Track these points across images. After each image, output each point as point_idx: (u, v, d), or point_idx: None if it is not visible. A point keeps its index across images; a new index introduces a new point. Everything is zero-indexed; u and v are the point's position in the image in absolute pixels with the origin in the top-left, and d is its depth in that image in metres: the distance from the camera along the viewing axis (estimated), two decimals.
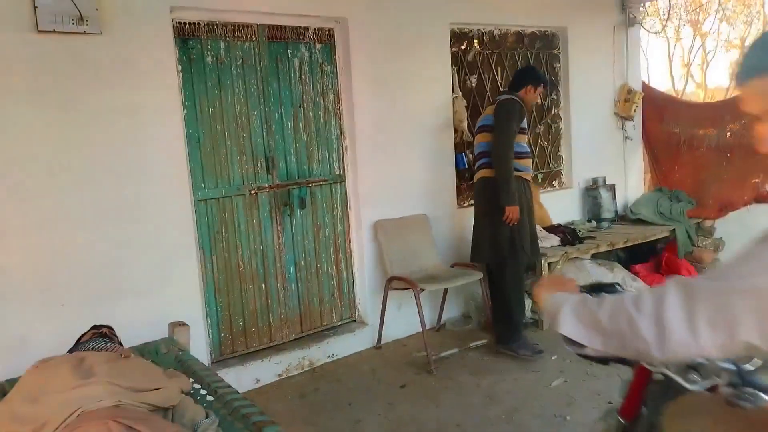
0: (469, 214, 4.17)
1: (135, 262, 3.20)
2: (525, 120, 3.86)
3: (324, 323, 4.12)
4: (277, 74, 3.78)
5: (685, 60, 16.32)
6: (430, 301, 4.41)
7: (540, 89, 3.96)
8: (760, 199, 5.19)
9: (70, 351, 2.47)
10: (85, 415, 1.88)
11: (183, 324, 2.92)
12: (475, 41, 4.76)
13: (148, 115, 3.20)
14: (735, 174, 5.31)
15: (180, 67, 3.37)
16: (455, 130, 4.55)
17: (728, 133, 5.41)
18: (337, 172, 4.10)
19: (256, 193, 3.73)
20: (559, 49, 5.28)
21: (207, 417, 2.11)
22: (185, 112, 3.40)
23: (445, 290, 4.34)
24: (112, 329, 2.67)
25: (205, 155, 3.53)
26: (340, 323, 4.19)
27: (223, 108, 3.57)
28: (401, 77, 4.19)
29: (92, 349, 2.39)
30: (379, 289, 4.18)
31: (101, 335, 2.53)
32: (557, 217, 5.12)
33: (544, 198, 5.11)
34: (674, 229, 5.18)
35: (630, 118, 5.68)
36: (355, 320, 4.26)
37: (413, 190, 4.35)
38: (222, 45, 3.55)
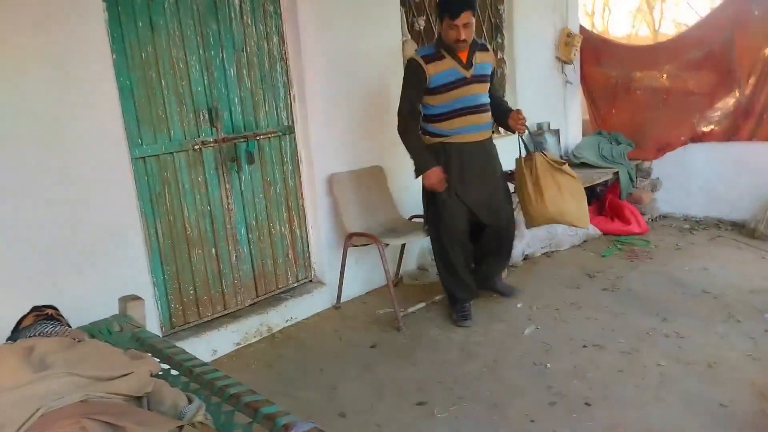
0: None
1: (72, 234, 2.80)
2: (446, 72, 3.31)
3: (280, 286, 3.86)
4: (216, 14, 3.38)
5: (588, 10, 16.71)
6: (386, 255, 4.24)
7: (448, 21, 3.20)
8: (695, 138, 5.33)
9: (11, 339, 2.11)
10: (49, 415, 1.58)
11: (136, 298, 2.60)
12: None
13: (71, 63, 2.74)
14: (671, 115, 5.42)
15: (105, 4, 2.91)
16: None
17: (664, 75, 5.49)
18: (286, 123, 3.78)
19: (200, 149, 3.36)
20: None
21: (190, 402, 1.85)
22: (114, 57, 2.96)
23: (403, 243, 4.18)
24: (57, 310, 2.32)
25: (141, 107, 3.11)
26: (296, 284, 3.95)
27: (157, 53, 3.15)
28: (350, 18, 3.88)
29: (39, 334, 2.05)
30: (336, 246, 3.97)
31: (47, 317, 2.18)
32: (506, 165, 5.04)
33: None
34: (617, 172, 5.25)
35: (570, 62, 5.65)
36: (311, 280, 4.03)
37: (366, 141, 4.10)
38: None
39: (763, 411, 2.52)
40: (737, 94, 5.08)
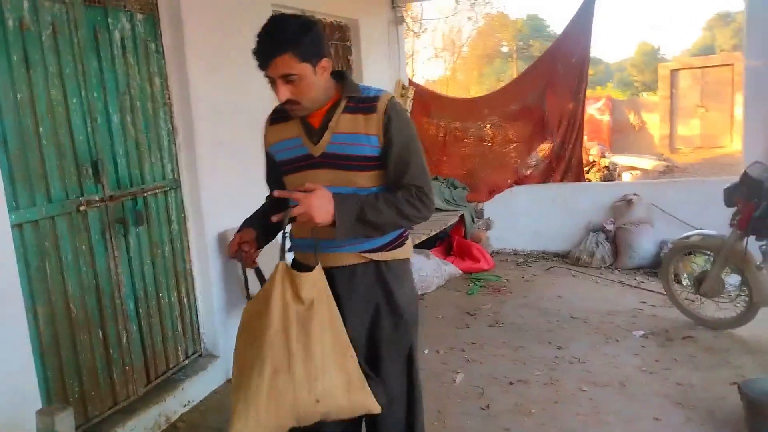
0: None
1: None
2: (286, 141, 1.90)
3: (171, 365, 3.30)
4: (97, 50, 2.84)
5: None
6: None
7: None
8: (519, 181, 6.00)
9: None
10: None
11: (63, 408, 2.00)
12: None
13: None
14: (496, 160, 6.03)
15: None
16: None
17: (487, 125, 6.10)
18: (171, 176, 3.31)
19: (86, 210, 2.75)
20: (350, 42, 5.21)
21: None
22: None
23: None
24: None
25: (15, 161, 2.45)
26: (186, 361, 3.42)
27: (34, 94, 2.53)
28: (238, 60, 3.58)
29: None
30: (229, 311, 3.56)
31: None
32: None
33: None
34: (463, 214, 5.64)
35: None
36: (200, 354, 3.53)
37: (258, 192, 3.78)
38: (26, 4, 2.49)
39: (689, 419, 2.89)
40: (551, 142, 5.87)
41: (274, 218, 1.68)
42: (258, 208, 2.11)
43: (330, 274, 1.78)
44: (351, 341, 1.73)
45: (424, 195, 1.82)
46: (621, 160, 11.99)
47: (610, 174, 10.67)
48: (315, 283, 1.68)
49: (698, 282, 3.91)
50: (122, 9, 2.99)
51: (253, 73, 3.77)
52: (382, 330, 1.88)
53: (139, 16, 3.09)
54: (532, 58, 28.91)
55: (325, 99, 1.82)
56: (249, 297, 1.81)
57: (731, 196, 3.63)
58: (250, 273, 1.90)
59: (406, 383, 1.96)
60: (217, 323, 3.53)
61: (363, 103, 1.81)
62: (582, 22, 5.60)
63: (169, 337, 3.29)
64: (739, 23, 30.08)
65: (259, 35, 1.72)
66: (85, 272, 2.76)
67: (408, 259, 1.98)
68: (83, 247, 2.75)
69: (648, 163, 12.09)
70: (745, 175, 3.52)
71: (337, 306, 1.73)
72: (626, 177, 10.89)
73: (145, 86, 3.13)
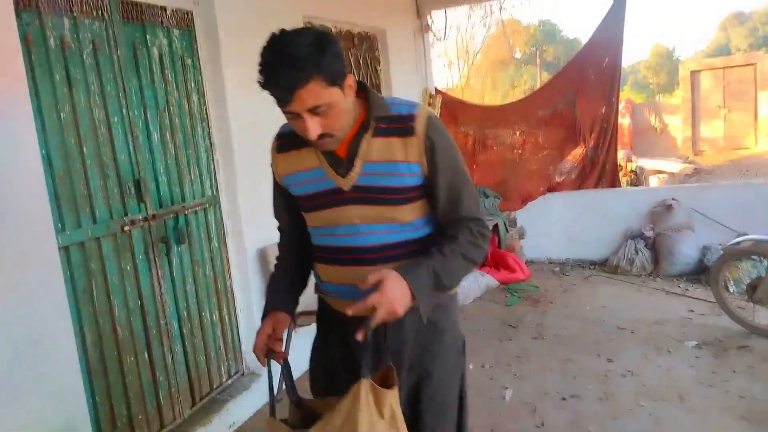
0: None
1: None
2: (304, 173, 1.61)
3: (215, 386, 3.24)
4: (137, 67, 2.81)
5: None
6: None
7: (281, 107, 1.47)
8: (552, 188, 5.89)
9: None
10: None
11: None
12: None
13: None
14: (528, 168, 5.93)
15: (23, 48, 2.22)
16: None
17: (517, 132, 6.01)
18: (210, 193, 3.25)
19: (129, 230, 2.70)
20: (378, 52, 5.16)
21: None
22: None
23: None
24: None
25: (60, 182, 2.41)
26: (229, 381, 3.35)
27: (77, 113, 2.49)
28: None
29: None
30: None
31: None
32: None
33: None
34: (497, 224, 5.54)
35: None
36: (243, 373, 3.45)
37: None
38: (67, 22, 2.46)
39: None
40: (583, 148, 5.76)
41: (360, 337, 1.37)
42: (276, 272, 1.77)
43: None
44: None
45: (484, 228, 1.59)
46: (647, 163, 11.80)
47: (637, 178, 10.51)
48: (396, 395, 1.41)
49: (752, 289, 3.77)
50: (159, 25, 2.95)
51: None
52: (432, 376, 1.63)
53: (176, 32, 3.06)
54: (548, 63, 28.90)
55: (352, 122, 1.52)
56: (273, 410, 1.59)
57: None
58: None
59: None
60: None
61: (396, 123, 1.52)
62: (612, 26, 5.50)
63: (212, 356, 3.23)
64: (754, 22, 29.82)
65: (269, 63, 1.39)
66: (130, 293, 2.71)
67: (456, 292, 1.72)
68: (128, 267, 2.70)
69: (675, 166, 11.90)
70: None
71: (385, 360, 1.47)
72: (653, 181, 10.71)
73: (183, 102, 3.08)
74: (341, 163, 1.54)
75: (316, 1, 4.06)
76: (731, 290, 4.33)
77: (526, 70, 30.40)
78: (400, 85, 5.33)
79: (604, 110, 5.64)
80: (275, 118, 3.63)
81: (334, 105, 1.42)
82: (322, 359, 1.76)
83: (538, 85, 25.83)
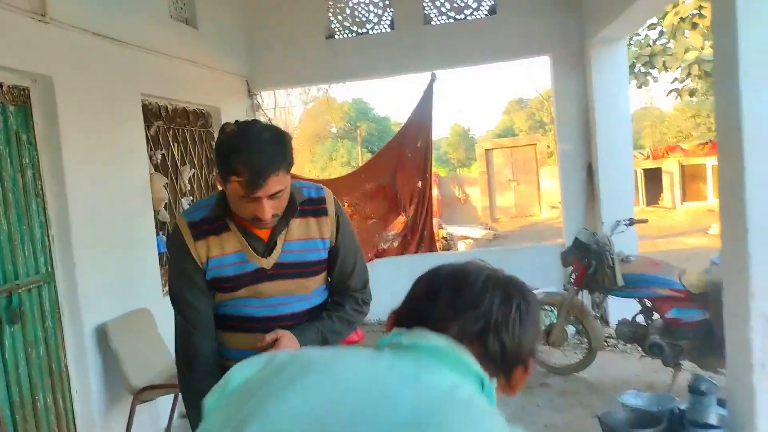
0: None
1: None
2: (230, 256, 1.72)
3: None
4: None
5: None
6: (148, 408, 3.74)
7: (237, 190, 1.58)
8: (378, 254, 6.37)
9: None
10: None
11: None
12: (156, 116, 4.40)
13: None
14: (358, 236, 6.37)
15: None
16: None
17: (346, 203, 6.46)
18: (44, 270, 3.14)
19: None
20: (213, 128, 5.33)
21: None
22: None
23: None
24: None
25: None
26: None
27: None
28: (113, 152, 3.56)
29: None
30: (113, 410, 3.37)
31: None
32: None
33: None
34: None
35: None
36: None
37: (130, 281, 3.68)
38: None
39: None
40: (404, 217, 6.37)
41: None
42: (202, 377, 1.71)
43: None
44: None
45: (368, 296, 1.89)
46: (455, 230, 13.08)
47: (448, 244, 11.59)
48: None
49: (546, 334, 4.47)
50: None
51: (124, 163, 3.79)
52: None
53: (11, 108, 3.01)
54: (363, 138, 30.76)
55: None
56: None
57: (566, 258, 4.28)
58: None
59: None
60: (97, 426, 3.31)
61: (309, 205, 1.74)
62: (423, 111, 6.28)
63: None
64: (531, 108, 34.75)
65: (243, 150, 1.52)
66: None
67: None
68: None
69: (478, 232, 13.33)
70: (576, 240, 4.18)
71: None
72: (461, 246, 11.89)
73: (17, 178, 3.00)
74: (263, 244, 1.71)
75: (152, 80, 4.17)
76: None
77: (342, 144, 31.98)
78: None
79: (420, 184, 6.33)
80: (113, 194, 3.70)
81: (286, 190, 1.61)
82: None
83: (356, 159, 27.27)
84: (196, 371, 1.75)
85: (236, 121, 1.63)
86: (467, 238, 12.70)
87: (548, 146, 19.85)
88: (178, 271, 1.76)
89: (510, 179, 19.38)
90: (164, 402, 3.79)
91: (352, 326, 1.84)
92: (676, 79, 12.98)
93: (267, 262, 1.71)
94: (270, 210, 1.59)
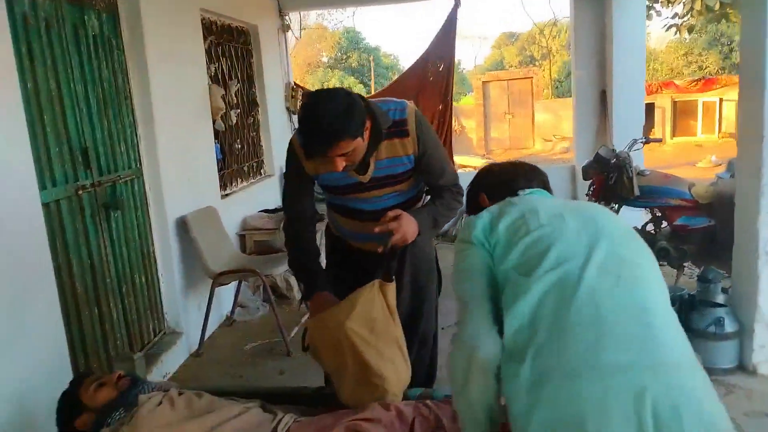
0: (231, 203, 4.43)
1: None
2: (331, 174, 2.07)
3: (145, 342, 3.50)
4: (78, 45, 3.02)
5: None
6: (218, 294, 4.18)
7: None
8: None
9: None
10: None
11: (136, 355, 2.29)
12: (209, 30, 4.66)
13: None
14: None
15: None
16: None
17: None
18: (135, 166, 3.51)
19: (81, 194, 2.93)
20: (251, 46, 5.58)
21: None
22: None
23: (239, 281, 4.24)
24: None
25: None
26: (155, 339, 3.62)
27: (38, 84, 2.68)
28: (182, 54, 3.88)
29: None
30: (193, 290, 3.84)
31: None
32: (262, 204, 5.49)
33: (254, 189, 5.36)
34: None
35: (296, 112, 6.43)
36: (165, 332, 3.73)
37: (198, 181, 4.07)
38: (26, 0, 2.65)
39: None
40: None
41: (380, 250, 1.99)
42: (303, 254, 2.22)
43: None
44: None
45: (460, 189, 2.23)
46: (456, 159, 13.47)
47: None
48: (393, 287, 2.02)
49: None
50: (93, 8, 3.17)
51: (190, 72, 4.14)
52: (422, 281, 2.36)
53: (104, 15, 3.29)
54: (353, 68, 30.49)
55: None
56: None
57: (587, 171, 4.70)
58: None
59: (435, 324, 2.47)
60: (179, 302, 3.77)
61: (394, 127, 2.03)
62: (447, 36, 6.53)
63: (142, 315, 3.49)
64: (522, 42, 34.37)
65: (306, 132, 1.85)
66: (84, 252, 2.93)
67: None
68: (81, 229, 2.93)
69: (477, 161, 13.75)
70: (597, 155, 4.59)
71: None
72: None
73: (111, 80, 3.32)
74: (359, 165, 2.03)
75: None
76: None
77: (334, 74, 31.67)
78: (269, 77, 5.80)
79: (441, 107, 6.66)
80: (184, 94, 4.06)
81: (356, 149, 1.90)
82: (335, 280, 2.27)
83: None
84: (300, 232, 2.25)
85: (315, 91, 1.96)
86: (467, 166, 13.12)
87: (545, 77, 19.93)
88: (292, 175, 2.20)
89: (505, 112, 19.62)
90: (227, 290, 4.25)
91: (453, 211, 2.25)
92: (676, 14, 13.17)
93: (364, 178, 2.10)
94: (341, 164, 1.89)
